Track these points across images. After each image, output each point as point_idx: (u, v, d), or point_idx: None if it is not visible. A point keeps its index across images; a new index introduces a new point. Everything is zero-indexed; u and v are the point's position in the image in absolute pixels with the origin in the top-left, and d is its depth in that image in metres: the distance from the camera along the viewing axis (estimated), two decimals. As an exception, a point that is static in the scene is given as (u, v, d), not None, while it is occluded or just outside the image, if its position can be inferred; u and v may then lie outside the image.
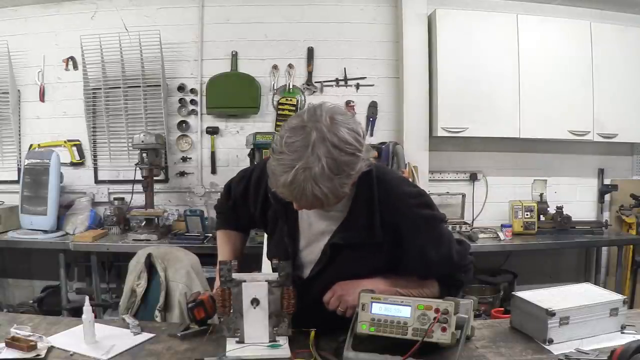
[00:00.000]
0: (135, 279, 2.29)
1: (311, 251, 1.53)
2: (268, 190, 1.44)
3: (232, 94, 3.83)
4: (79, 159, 3.96)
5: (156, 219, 3.59)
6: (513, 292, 1.59)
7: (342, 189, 1.28)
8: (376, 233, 1.42)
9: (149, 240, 3.36)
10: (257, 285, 1.41)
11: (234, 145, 3.96)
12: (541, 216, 3.82)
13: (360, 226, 1.43)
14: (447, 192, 4.05)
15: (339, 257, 1.47)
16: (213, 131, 3.95)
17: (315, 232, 1.52)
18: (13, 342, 1.38)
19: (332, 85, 3.97)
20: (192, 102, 3.96)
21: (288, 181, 1.22)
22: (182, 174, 3.98)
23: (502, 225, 3.68)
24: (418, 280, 1.51)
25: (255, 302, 1.40)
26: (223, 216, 1.82)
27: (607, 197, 4.19)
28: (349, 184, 1.30)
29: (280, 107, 3.91)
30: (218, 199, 1.87)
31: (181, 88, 3.94)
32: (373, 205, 1.42)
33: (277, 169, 1.25)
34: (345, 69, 3.96)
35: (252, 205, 1.64)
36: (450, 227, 3.82)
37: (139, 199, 3.75)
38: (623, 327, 1.50)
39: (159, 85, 3.80)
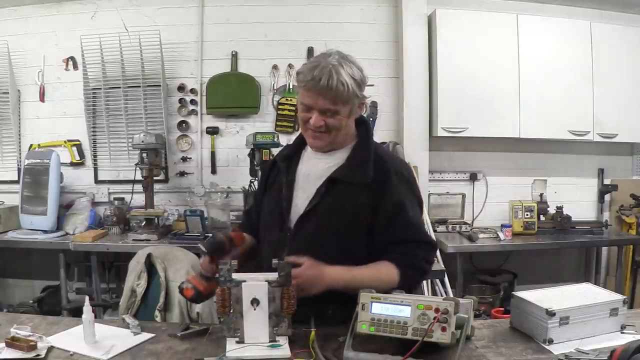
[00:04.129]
0: (135, 279, 2.30)
1: (302, 199, 1.63)
2: (277, 156, 1.79)
3: (232, 94, 3.83)
4: (79, 159, 3.96)
5: (156, 219, 3.59)
6: (513, 292, 1.59)
7: (353, 88, 1.54)
8: (368, 171, 1.58)
9: (149, 240, 3.36)
10: (257, 285, 1.41)
11: (234, 145, 3.96)
12: (541, 216, 3.82)
13: (354, 166, 1.60)
14: (447, 192, 4.05)
15: (329, 196, 1.58)
16: (213, 131, 3.95)
17: (311, 180, 1.64)
18: (13, 342, 1.38)
19: (332, 85, 3.96)
20: (192, 102, 3.96)
21: (314, 62, 1.54)
22: (182, 174, 3.98)
23: (502, 225, 3.68)
24: (378, 264, 1.56)
25: (255, 302, 1.40)
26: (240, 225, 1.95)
27: (607, 197, 4.19)
28: (358, 94, 1.58)
29: (280, 107, 3.91)
30: None
31: (181, 88, 3.94)
32: (367, 151, 1.63)
33: (303, 70, 1.55)
34: (345, 69, 3.95)
35: (262, 181, 1.85)
36: (450, 227, 3.85)
37: (139, 199, 3.75)
38: (623, 327, 1.50)
39: (159, 85, 3.80)
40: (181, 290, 1.51)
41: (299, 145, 1.74)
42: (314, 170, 1.65)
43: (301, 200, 1.63)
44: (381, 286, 1.50)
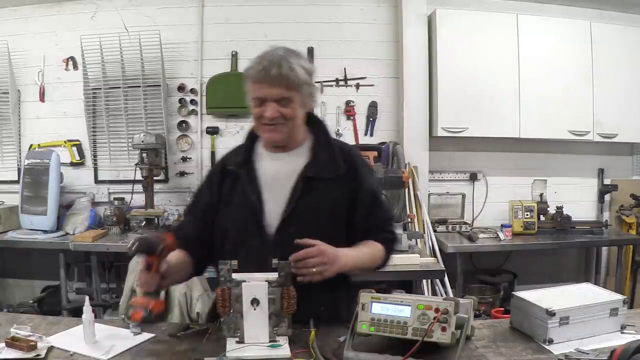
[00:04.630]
0: (135, 279, 2.29)
1: (275, 203, 1.59)
2: (226, 163, 1.69)
3: (232, 94, 3.83)
4: (79, 159, 3.96)
5: (156, 219, 3.59)
6: (513, 292, 1.59)
7: (304, 76, 1.54)
8: (339, 165, 1.61)
9: (149, 240, 3.35)
10: (257, 285, 1.41)
11: (234, 145, 3.94)
12: (541, 216, 3.82)
13: (324, 162, 1.61)
14: (447, 192, 4.06)
15: (307, 194, 1.57)
16: (213, 131, 3.95)
17: (280, 182, 1.60)
18: (13, 342, 1.38)
19: (332, 85, 3.97)
20: (192, 102, 3.96)
21: (261, 56, 1.55)
22: (182, 174, 3.98)
23: (502, 225, 3.68)
24: (369, 244, 1.63)
25: (255, 302, 1.40)
26: None
27: (607, 197, 4.19)
28: (308, 82, 1.57)
29: (280, 107, 3.91)
30: None
31: (181, 88, 3.94)
32: (332, 146, 1.65)
33: (251, 65, 1.58)
34: (345, 69, 3.96)
35: (210, 189, 1.69)
36: (450, 227, 3.85)
37: (139, 199, 3.75)
38: (623, 327, 1.50)
39: (159, 85, 3.80)
40: (129, 317, 1.39)
41: (249, 149, 1.69)
42: (280, 172, 1.62)
43: (272, 204, 1.59)
44: (374, 264, 1.66)
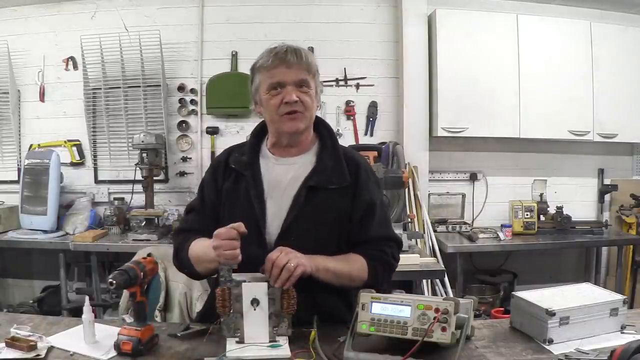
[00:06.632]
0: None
1: (277, 211, 1.54)
2: (230, 160, 1.61)
3: (232, 94, 3.83)
4: (79, 159, 3.96)
5: (156, 219, 3.59)
6: (513, 292, 1.59)
7: (316, 65, 1.54)
8: (345, 177, 1.56)
9: (149, 240, 3.36)
10: (257, 285, 1.41)
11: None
12: (541, 216, 3.82)
13: (329, 171, 1.56)
14: (447, 192, 4.06)
15: (310, 204, 1.52)
16: (213, 131, 3.95)
17: (283, 189, 1.56)
18: (13, 342, 1.37)
19: (332, 85, 3.97)
20: (192, 102, 3.96)
21: (272, 48, 1.51)
22: (182, 174, 3.98)
23: (502, 225, 3.68)
24: (347, 255, 1.55)
25: (255, 302, 1.40)
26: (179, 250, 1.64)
27: (607, 197, 4.19)
28: (319, 73, 1.56)
29: (280, 107, 3.91)
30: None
31: (181, 88, 3.94)
32: (338, 154, 1.60)
33: (261, 56, 1.53)
34: (345, 69, 3.96)
35: (215, 183, 1.63)
36: (450, 227, 3.85)
37: (139, 199, 3.75)
38: (623, 327, 1.50)
39: (159, 85, 3.80)
40: (118, 348, 1.36)
41: (255, 151, 1.63)
42: (283, 178, 1.57)
43: (273, 211, 1.54)
44: (352, 278, 1.52)
